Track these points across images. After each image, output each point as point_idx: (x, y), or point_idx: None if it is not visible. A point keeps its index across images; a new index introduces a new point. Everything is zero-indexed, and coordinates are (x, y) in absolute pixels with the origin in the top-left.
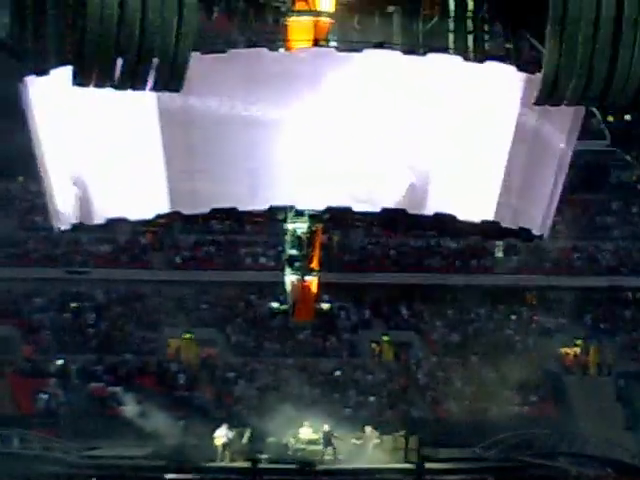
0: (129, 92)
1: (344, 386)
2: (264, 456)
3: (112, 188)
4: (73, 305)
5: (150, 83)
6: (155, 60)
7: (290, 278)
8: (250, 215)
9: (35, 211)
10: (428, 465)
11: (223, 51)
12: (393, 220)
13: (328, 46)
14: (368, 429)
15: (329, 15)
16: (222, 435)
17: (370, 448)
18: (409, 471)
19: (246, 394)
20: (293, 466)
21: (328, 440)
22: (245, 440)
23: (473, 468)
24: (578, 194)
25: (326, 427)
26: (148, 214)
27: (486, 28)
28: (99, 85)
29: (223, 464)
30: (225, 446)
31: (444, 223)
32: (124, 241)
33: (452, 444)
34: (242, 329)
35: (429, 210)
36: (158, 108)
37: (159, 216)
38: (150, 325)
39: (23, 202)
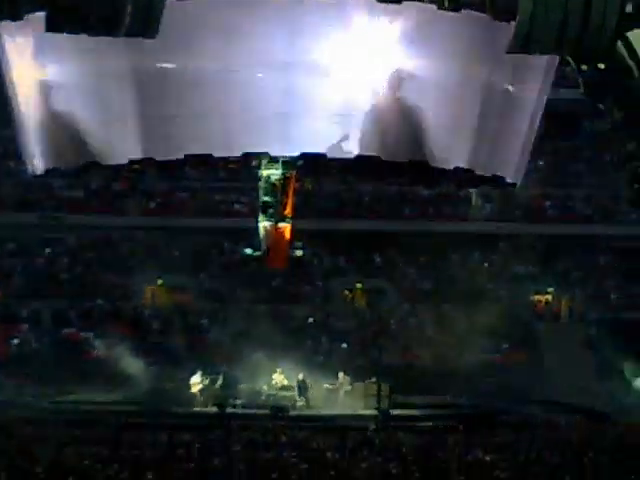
0: (102, 38)
1: (317, 333)
2: (238, 402)
3: (85, 133)
4: (45, 250)
5: (124, 29)
6: (129, 5)
7: (264, 224)
8: (224, 162)
9: (7, 156)
10: (400, 412)
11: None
12: (367, 167)
13: None
14: (341, 375)
15: None
16: (198, 381)
17: (342, 395)
18: (376, 418)
19: (219, 340)
20: (266, 411)
21: (302, 388)
22: (218, 386)
23: (444, 415)
24: (551, 142)
25: (300, 376)
26: (121, 159)
27: None
28: (73, 31)
29: (197, 409)
30: (201, 392)
31: (418, 170)
32: (97, 187)
33: (424, 391)
34: (215, 275)
35: (403, 157)
36: (131, 54)
37: (132, 162)
38: (123, 271)
39: None
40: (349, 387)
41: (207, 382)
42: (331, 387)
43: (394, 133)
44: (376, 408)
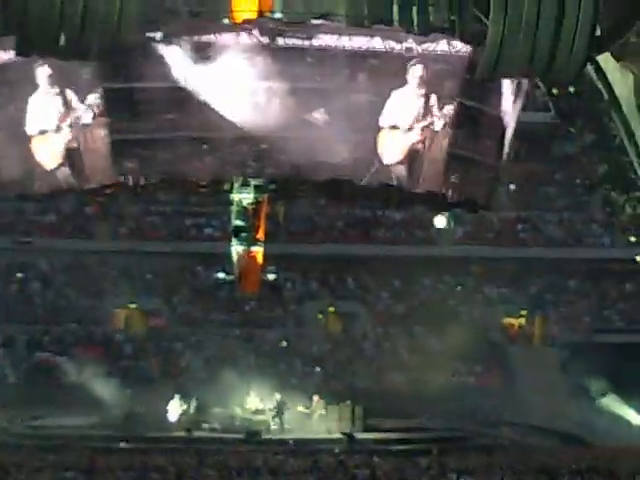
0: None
1: (290, 356)
2: (213, 426)
3: (55, 158)
4: (18, 275)
5: (94, 52)
6: (98, 30)
7: (236, 249)
8: (196, 186)
9: None
10: (373, 435)
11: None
12: (339, 191)
13: (272, 17)
14: (315, 399)
15: None
16: (176, 406)
17: (316, 418)
18: (341, 441)
19: (192, 364)
20: (240, 435)
21: (279, 409)
22: (192, 410)
23: (418, 438)
24: (522, 166)
25: (278, 396)
26: (92, 184)
27: (431, 0)
28: (42, 54)
29: (170, 434)
30: (179, 417)
31: (390, 194)
32: (69, 211)
33: (397, 414)
34: (188, 299)
35: (375, 181)
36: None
37: (104, 186)
38: (95, 295)
39: None
40: (323, 411)
41: (185, 407)
42: (305, 410)
43: (365, 157)
44: (343, 433)
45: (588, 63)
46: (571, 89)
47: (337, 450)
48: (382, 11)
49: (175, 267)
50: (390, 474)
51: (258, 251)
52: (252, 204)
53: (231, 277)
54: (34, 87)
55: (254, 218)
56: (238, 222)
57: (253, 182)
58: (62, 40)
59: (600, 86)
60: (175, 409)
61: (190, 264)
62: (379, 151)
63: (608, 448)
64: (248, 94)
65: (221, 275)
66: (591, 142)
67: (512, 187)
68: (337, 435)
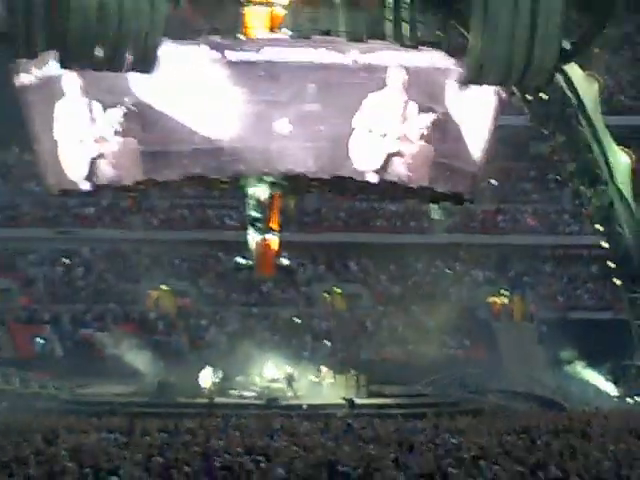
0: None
1: (301, 332)
2: (236, 392)
3: (96, 159)
4: (63, 261)
5: (125, 65)
6: (130, 45)
7: (253, 237)
8: (217, 182)
9: (29, 178)
10: (376, 400)
11: (191, 38)
12: (343, 186)
13: (282, 33)
14: (324, 369)
15: (283, 6)
16: (207, 375)
17: (325, 386)
18: (344, 406)
19: (216, 339)
20: (260, 401)
21: (290, 380)
22: (218, 379)
23: (415, 403)
24: (502, 163)
25: (288, 369)
26: (127, 181)
27: (420, 18)
28: (81, 67)
29: (196, 400)
30: (210, 385)
31: (386, 188)
32: (107, 204)
33: (396, 382)
34: (212, 282)
35: (374, 177)
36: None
37: (137, 182)
38: (131, 278)
39: (18, 170)
40: (331, 379)
41: (215, 376)
42: (316, 379)
43: (365, 157)
44: (344, 398)
45: (557, 72)
46: (543, 95)
47: (341, 414)
48: (377, 27)
49: (200, 253)
50: (390, 435)
51: (272, 239)
52: (267, 197)
53: (249, 262)
54: (68, 98)
55: (269, 210)
56: (254, 213)
57: (267, 178)
58: (98, 54)
59: (568, 93)
60: (205, 378)
61: (213, 251)
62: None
63: (581, 411)
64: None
65: (240, 260)
66: (562, 142)
67: (493, 182)
68: (329, 401)
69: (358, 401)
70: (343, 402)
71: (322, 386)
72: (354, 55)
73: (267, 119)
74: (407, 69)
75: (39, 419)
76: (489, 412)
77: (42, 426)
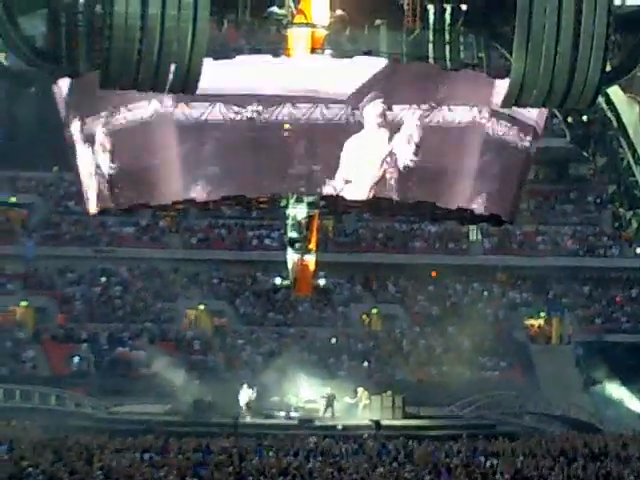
0: (148, 94)
1: (338, 352)
2: (271, 412)
3: (135, 177)
4: (101, 280)
5: (168, 85)
6: (172, 65)
7: (291, 257)
8: (256, 202)
9: (68, 197)
10: (411, 422)
11: (232, 57)
12: (381, 206)
13: (323, 53)
14: (360, 390)
15: (324, 27)
16: (245, 395)
17: (361, 407)
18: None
19: (252, 359)
20: (294, 422)
21: (330, 401)
22: (254, 398)
23: (449, 425)
24: (541, 185)
25: (329, 390)
26: (166, 200)
27: (461, 39)
28: (123, 87)
29: (232, 420)
30: (247, 404)
31: (425, 209)
32: (145, 224)
33: (431, 404)
34: (249, 302)
35: (412, 198)
36: (175, 112)
37: (176, 202)
38: (168, 298)
39: (58, 189)
40: (367, 400)
41: (252, 395)
42: (352, 400)
43: (405, 177)
44: (370, 420)
45: (599, 95)
46: (584, 117)
47: (368, 435)
48: (418, 49)
49: (238, 273)
50: (425, 457)
51: (310, 259)
52: (305, 218)
53: (287, 282)
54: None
55: (307, 230)
56: (293, 234)
57: (306, 199)
58: (140, 75)
59: (610, 115)
60: (242, 397)
61: (251, 270)
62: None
63: (617, 435)
64: None
65: (278, 280)
66: (602, 165)
67: (532, 204)
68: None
69: (389, 423)
70: (384, 423)
71: (358, 407)
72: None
73: None
74: None
75: (74, 437)
76: (525, 435)
77: (77, 445)
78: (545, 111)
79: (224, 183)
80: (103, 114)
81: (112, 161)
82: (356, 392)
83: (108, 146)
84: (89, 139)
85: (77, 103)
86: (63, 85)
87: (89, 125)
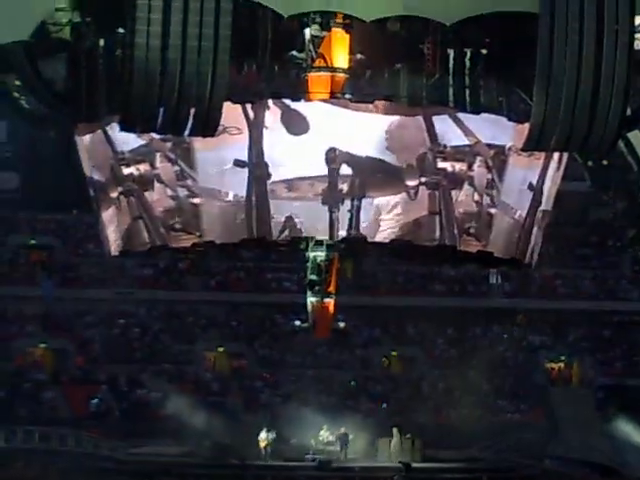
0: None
1: (357, 395)
2: (290, 455)
3: (155, 220)
4: (120, 321)
5: (187, 129)
6: (192, 109)
7: (311, 300)
8: (275, 244)
9: (87, 239)
10: (431, 465)
11: (252, 102)
12: (400, 250)
13: (343, 97)
14: (395, 430)
15: (344, 71)
16: (264, 438)
17: (380, 449)
18: (401, 469)
19: (271, 401)
20: (313, 464)
21: (343, 441)
22: (271, 441)
23: (469, 468)
24: (561, 229)
25: (342, 430)
26: (186, 242)
27: (481, 83)
28: (143, 131)
29: (250, 462)
30: (266, 447)
31: (445, 252)
32: (164, 266)
33: (451, 446)
34: (268, 344)
35: (432, 241)
36: (193, 151)
37: (195, 244)
38: (187, 340)
39: (77, 232)
40: (387, 442)
41: (271, 438)
42: (371, 442)
43: (425, 221)
44: (400, 461)
45: (620, 139)
46: (605, 161)
47: (398, 477)
48: (438, 93)
49: (257, 316)
50: None
51: (330, 302)
52: (325, 261)
53: (306, 325)
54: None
55: (326, 273)
56: (313, 277)
57: (325, 241)
58: (160, 119)
59: (630, 159)
60: (261, 440)
61: (270, 313)
62: None
63: (638, 479)
64: None
65: (297, 323)
66: (622, 209)
67: (552, 248)
68: (398, 464)
69: (414, 465)
70: (398, 465)
71: (377, 449)
72: None
73: None
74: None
75: (93, 479)
76: (545, 478)
77: None
78: (565, 155)
79: (243, 225)
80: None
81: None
82: (376, 434)
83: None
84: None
85: (95, 146)
86: (82, 129)
87: (107, 168)
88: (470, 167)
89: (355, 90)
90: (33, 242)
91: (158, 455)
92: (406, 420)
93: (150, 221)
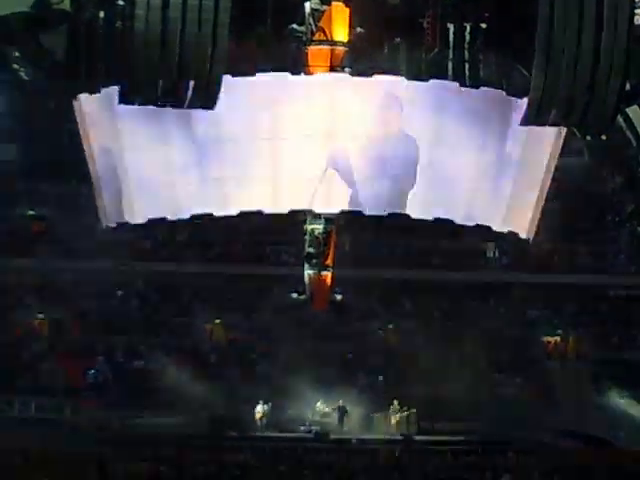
0: (168, 109)
1: (354, 367)
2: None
3: (153, 192)
4: (118, 293)
5: (187, 101)
6: (191, 81)
7: (308, 272)
8: (273, 217)
9: (86, 211)
10: (426, 437)
11: (251, 74)
12: (397, 223)
13: (343, 71)
14: (395, 403)
15: (344, 44)
16: (260, 410)
17: (377, 421)
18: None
19: (267, 373)
20: (310, 435)
21: (342, 413)
22: (268, 413)
23: (465, 440)
24: (559, 203)
25: (340, 402)
26: (184, 215)
27: (481, 57)
28: (143, 102)
29: (246, 433)
30: (262, 418)
31: (442, 226)
32: (162, 238)
33: (446, 419)
34: (265, 316)
35: (430, 215)
36: (194, 123)
37: (194, 217)
38: (185, 311)
39: (76, 203)
40: (383, 415)
41: (267, 410)
42: (368, 415)
43: (422, 194)
44: (402, 434)
45: (618, 114)
46: (603, 136)
47: (394, 449)
48: (438, 67)
49: (255, 288)
50: (440, 471)
51: (327, 275)
52: (322, 233)
53: (303, 297)
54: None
55: (324, 246)
56: (310, 249)
57: (323, 215)
58: (160, 91)
59: (629, 134)
60: (258, 412)
61: (268, 285)
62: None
63: (633, 451)
64: None
65: (294, 295)
66: (620, 183)
67: (550, 222)
68: (394, 436)
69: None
70: (395, 438)
71: (373, 422)
72: None
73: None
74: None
75: (90, 450)
76: (540, 451)
77: (93, 457)
78: (564, 130)
79: (242, 197)
80: (120, 129)
81: (129, 175)
82: (372, 406)
83: (125, 160)
84: (106, 153)
85: (96, 118)
86: (83, 100)
87: (106, 139)
88: None
89: (354, 64)
90: (31, 213)
91: (155, 426)
92: (402, 393)
93: (148, 193)
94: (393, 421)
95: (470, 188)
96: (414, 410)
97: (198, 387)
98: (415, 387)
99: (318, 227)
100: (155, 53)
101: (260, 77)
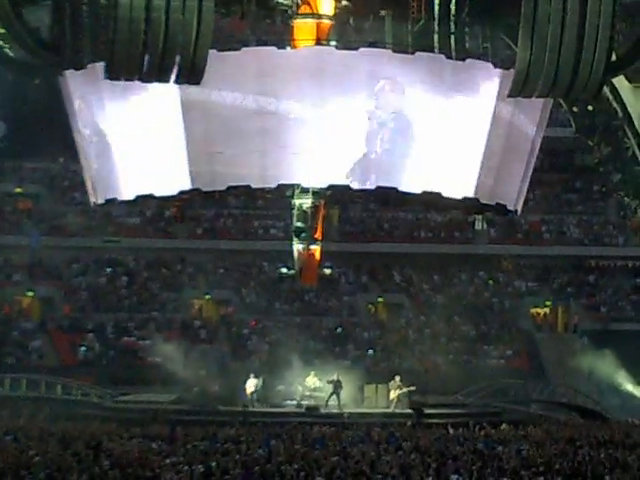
0: (155, 84)
1: (344, 341)
2: (277, 401)
3: (141, 168)
4: (107, 270)
5: (173, 76)
6: (177, 56)
7: (297, 247)
8: (262, 192)
9: (74, 188)
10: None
11: (237, 49)
12: (386, 196)
13: (328, 44)
14: (397, 378)
15: (329, 18)
16: (251, 384)
17: (367, 395)
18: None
19: (258, 348)
20: (301, 410)
21: (336, 387)
22: (259, 387)
23: (456, 413)
24: (547, 174)
25: (335, 376)
26: (172, 191)
27: (466, 30)
28: (128, 78)
29: (238, 408)
30: (252, 393)
31: (430, 199)
32: (151, 214)
33: (437, 392)
34: (255, 291)
35: (418, 188)
36: (180, 99)
37: (182, 192)
38: (174, 287)
39: (63, 180)
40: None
41: (259, 385)
42: (358, 388)
43: (410, 167)
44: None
45: (605, 85)
46: (590, 107)
47: (385, 423)
48: (424, 39)
49: (244, 263)
50: (431, 444)
51: (316, 249)
52: (311, 208)
53: (292, 272)
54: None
55: (312, 220)
56: (299, 224)
57: (312, 189)
58: (145, 66)
59: (615, 105)
60: (248, 386)
61: (257, 260)
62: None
63: (622, 422)
64: None
65: (284, 270)
66: (607, 154)
67: (538, 194)
68: (385, 410)
69: (395, 411)
70: (386, 411)
71: (364, 395)
72: None
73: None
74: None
75: (81, 426)
76: (530, 422)
77: (84, 433)
78: (550, 101)
79: (230, 172)
80: (107, 105)
81: (117, 151)
82: (363, 380)
83: (112, 136)
84: (94, 130)
85: (82, 94)
86: (69, 76)
87: (93, 116)
88: None
89: (340, 37)
90: (19, 191)
91: (146, 402)
92: (392, 366)
93: (136, 169)
94: (392, 395)
95: (457, 162)
96: (414, 387)
97: (188, 363)
98: (406, 360)
99: (306, 201)
100: (140, 28)
101: (246, 51)
